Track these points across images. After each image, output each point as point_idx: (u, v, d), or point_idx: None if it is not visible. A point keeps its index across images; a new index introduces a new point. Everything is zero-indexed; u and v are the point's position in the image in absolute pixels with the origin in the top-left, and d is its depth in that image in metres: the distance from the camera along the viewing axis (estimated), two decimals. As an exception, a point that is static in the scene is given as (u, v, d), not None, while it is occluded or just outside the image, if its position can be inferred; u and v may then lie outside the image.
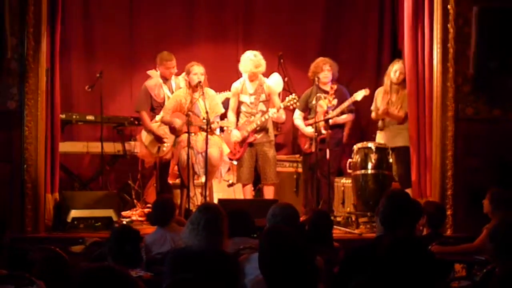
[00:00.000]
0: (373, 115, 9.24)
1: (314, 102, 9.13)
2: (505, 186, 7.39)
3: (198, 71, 8.82)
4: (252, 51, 9.12)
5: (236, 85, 9.30)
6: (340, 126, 9.34)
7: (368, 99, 9.38)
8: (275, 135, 9.58)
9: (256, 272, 4.10)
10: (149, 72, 9.48)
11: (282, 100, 9.25)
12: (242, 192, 9.32)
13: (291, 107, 9.13)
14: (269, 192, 9.18)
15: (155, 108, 9.37)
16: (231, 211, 5.80)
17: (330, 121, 8.85)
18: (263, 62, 9.10)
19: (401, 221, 4.78)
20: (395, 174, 9.17)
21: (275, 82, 9.70)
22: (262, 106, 9.15)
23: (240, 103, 9.25)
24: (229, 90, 9.74)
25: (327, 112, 8.89)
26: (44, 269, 4.86)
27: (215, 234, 4.72)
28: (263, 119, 9.02)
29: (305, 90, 9.51)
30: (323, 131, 8.87)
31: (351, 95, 9.39)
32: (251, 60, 9.03)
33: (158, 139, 9.23)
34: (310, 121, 9.22)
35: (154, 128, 9.22)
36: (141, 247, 5.83)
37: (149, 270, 5.60)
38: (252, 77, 9.12)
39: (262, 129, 9.13)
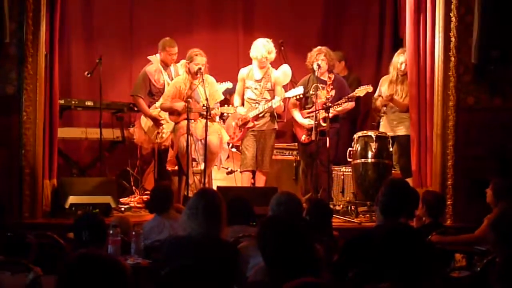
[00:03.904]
0: (377, 102, 9.20)
1: (312, 92, 9.06)
2: (506, 175, 7.37)
3: (200, 61, 8.75)
4: (265, 38, 9.07)
5: (244, 70, 9.27)
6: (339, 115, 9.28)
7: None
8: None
9: (258, 260, 4.07)
10: (150, 57, 9.45)
11: (287, 91, 9.24)
12: (241, 179, 9.28)
13: (294, 98, 9.12)
14: (260, 180, 9.15)
15: (154, 94, 9.34)
16: (231, 199, 5.77)
17: (330, 114, 8.78)
18: (274, 50, 9.07)
19: (401, 210, 4.76)
20: (396, 163, 9.17)
21: (283, 73, 9.63)
22: (266, 95, 9.10)
23: (245, 88, 9.21)
24: (229, 80, 9.72)
25: (325, 104, 8.82)
26: (41, 255, 4.84)
27: (213, 218, 4.68)
28: (266, 106, 8.98)
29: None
30: (323, 124, 8.81)
31: (349, 85, 9.38)
32: (264, 45, 8.98)
33: (156, 122, 9.21)
34: (307, 111, 9.16)
35: (150, 112, 9.21)
36: (139, 234, 5.82)
37: (147, 257, 5.58)
38: (261, 64, 9.06)
39: (266, 116, 9.08)
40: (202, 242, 4.61)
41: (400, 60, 9.06)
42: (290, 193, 5.60)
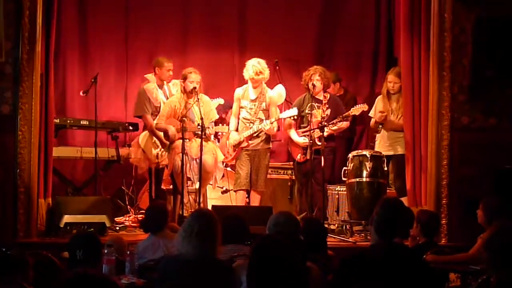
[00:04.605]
0: (372, 121, 9.22)
1: (307, 111, 9.08)
2: (501, 195, 7.37)
3: (195, 79, 8.78)
4: (256, 59, 9.08)
5: (238, 91, 9.29)
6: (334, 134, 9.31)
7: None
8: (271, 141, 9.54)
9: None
10: (147, 76, 9.45)
11: (282, 110, 9.26)
12: (235, 198, 9.28)
13: (289, 119, 9.14)
14: (255, 200, 9.15)
15: (151, 112, 9.33)
16: (226, 217, 5.77)
17: (325, 133, 8.79)
18: (265, 71, 9.05)
19: (395, 229, 4.75)
20: (392, 182, 9.18)
21: (278, 93, 9.66)
22: (261, 115, 9.11)
23: (241, 108, 9.22)
24: (222, 97, 9.72)
25: (320, 123, 8.84)
26: (36, 275, 4.82)
27: (208, 241, 4.67)
28: (260, 126, 8.99)
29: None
30: (318, 143, 8.82)
31: (344, 104, 9.41)
32: (253, 66, 8.99)
33: (163, 144, 9.16)
34: (302, 130, 9.18)
35: (160, 134, 9.16)
36: (134, 254, 5.81)
37: (142, 277, 5.57)
38: (254, 84, 9.08)
39: (261, 136, 9.09)
40: (197, 261, 4.60)
41: (388, 79, 9.12)
42: (288, 213, 5.59)
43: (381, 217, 4.75)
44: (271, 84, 9.42)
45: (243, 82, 9.36)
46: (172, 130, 8.81)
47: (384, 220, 4.73)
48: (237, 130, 9.23)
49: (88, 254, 4.91)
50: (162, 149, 9.19)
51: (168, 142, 9.05)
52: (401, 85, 8.78)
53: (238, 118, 9.27)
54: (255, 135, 9.08)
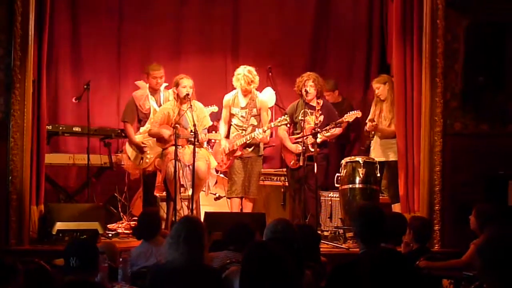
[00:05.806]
0: (367, 127, 9.21)
1: (301, 117, 9.08)
2: (493, 201, 7.37)
3: (187, 83, 8.79)
4: (246, 67, 9.08)
5: (228, 97, 9.29)
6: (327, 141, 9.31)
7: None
8: (264, 148, 9.52)
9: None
10: (138, 83, 9.46)
11: (272, 116, 9.24)
12: (230, 205, 9.25)
13: (284, 126, 9.15)
14: (247, 207, 9.14)
15: (141, 119, 9.34)
16: (235, 225, 5.78)
17: (319, 139, 8.80)
18: (256, 79, 9.08)
19: (378, 233, 4.73)
20: (385, 188, 9.17)
21: (268, 97, 9.65)
22: (253, 121, 9.13)
23: (231, 115, 9.22)
24: (215, 105, 9.72)
25: (313, 129, 8.84)
26: (27, 282, 4.80)
27: (195, 247, 4.66)
28: (253, 135, 8.98)
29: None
30: (311, 149, 8.82)
31: (340, 111, 9.41)
32: (244, 75, 9.00)
33: (139, 149, 9.20)
34: (295, 136, 9.18)
35: (135, 139, 9.20)
36: (126, 261, 5.79)
37: (135, 284, 5.55)
38: (245, 92, 9.09)
39: (252, 144, 9.09)
40: (186, 269, 4.59)
41: (373, 87, 9.16)
42: (285, 220, 5.57)
43: (361, 225, 4.75)
44: (261, 89, 9.41)
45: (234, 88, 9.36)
46: (166, 133, 8.79)
47: (364, 227, 4.73)
48: (227, 136, 9.23)
49: (83, 262, 4.88)
50: (146, 154, 9.19)
51: (145, 147, 9.09)
52: (394, 91, 8.78)
53: (228, 125, 9.27)
54: (248, 142, 9.08)
